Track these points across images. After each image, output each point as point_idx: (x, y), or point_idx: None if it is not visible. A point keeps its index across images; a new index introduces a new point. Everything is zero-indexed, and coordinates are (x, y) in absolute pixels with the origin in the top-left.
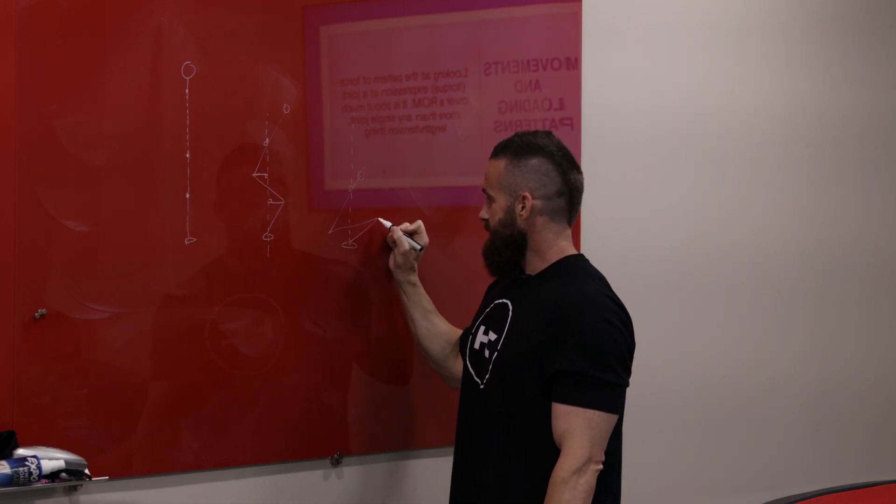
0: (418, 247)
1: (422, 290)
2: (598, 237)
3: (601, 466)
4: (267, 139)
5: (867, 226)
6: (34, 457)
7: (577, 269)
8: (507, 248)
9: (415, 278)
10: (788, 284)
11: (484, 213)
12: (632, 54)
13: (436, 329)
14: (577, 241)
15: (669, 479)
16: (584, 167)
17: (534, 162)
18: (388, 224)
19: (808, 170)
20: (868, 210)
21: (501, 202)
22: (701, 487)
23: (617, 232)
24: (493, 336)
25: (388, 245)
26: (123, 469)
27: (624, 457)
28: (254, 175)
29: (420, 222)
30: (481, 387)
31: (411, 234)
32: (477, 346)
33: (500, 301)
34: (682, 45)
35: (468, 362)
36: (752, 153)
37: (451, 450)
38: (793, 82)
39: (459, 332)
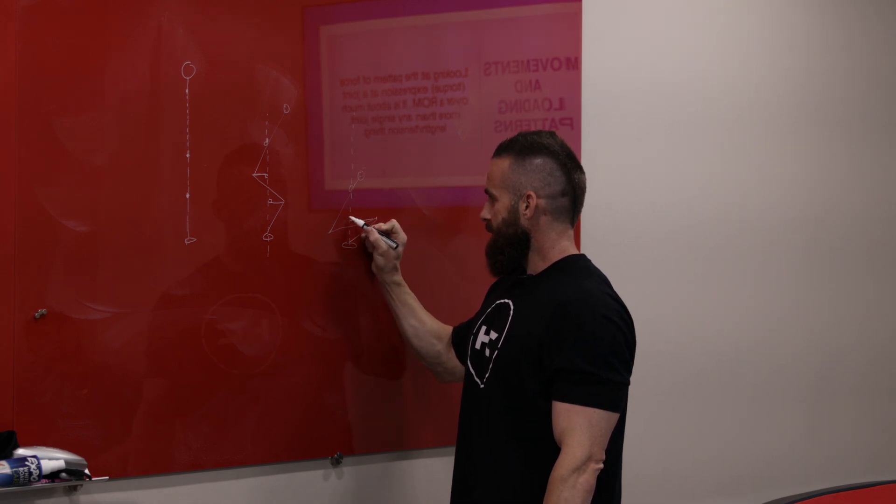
0: (395, 244)
1: (407, 289)
2: (599, 236)
3: (601, 465)
4: (267, 139)
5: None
6: (34, 457)
7: (579, 268)
8: (511, 246)
9: (399, 278)
10: (792, 269)
11: (486, 214)
12: (632, 54)
13: (424, 327)
14: (577, 241)
15: (669, 474)
16: (584, 167)
17: (538, 161)
18: (360, 222)
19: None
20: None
21: (505, 201)
22: (701, 483)
23: (618, 231)
24: (493, 335)
25: (366, 248)
26: (123, 469)
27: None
28: (254, 175)
29: (394, 221)
30: (481, 386)
31: (387, 234)
32: (478, 346)
33: (502, 301)
34: (682, 44)
35: (469, 364)
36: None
37: (451, 449)
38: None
39: (448, 327)
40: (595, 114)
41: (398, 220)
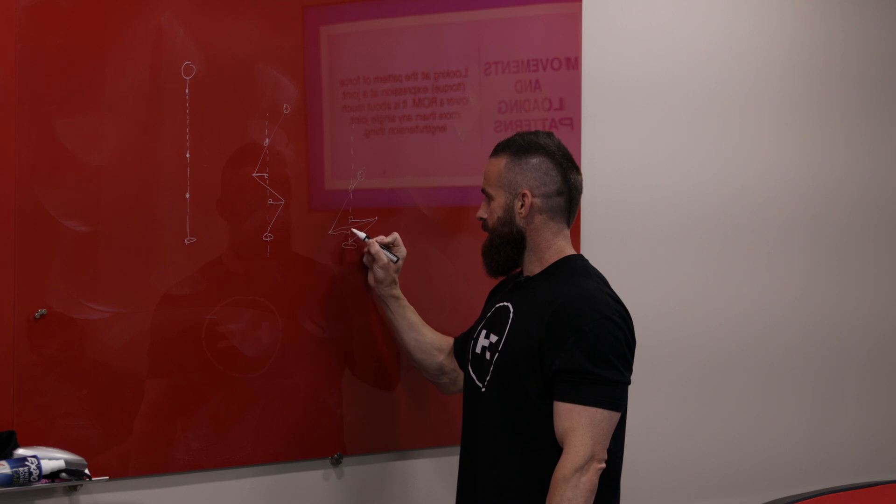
0: (396, 258)
1: (406, 303)
2: (599, 235)
3: (604, 465)
4: (267, 139)
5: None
6: (34, 457)
7: (577, 269)
8: (506, 246)
9: (398, 291)
10: (793, 268)
11: (482, 213)
12: (632, 53)
13: (425, 340)
14: (577, 240)
15: (669, 473)
16: (584, 168)
17: (534, 160)
18: (362, 235)
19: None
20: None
21: (500, 200)
22: (701, 482)
23: (619, 230)
24: (493, 339)
25: (363, 259)
26: (123, 469)
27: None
28: (254, 175)
29: (396, 234)
30: (483, 390)
31: (388, 247)
32: (478, 350)
33: (502, 304)
34: (682, 43)
35: (470, 367)
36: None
37: (451, 449)
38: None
39: (450, 339)
40: (595, 114)
41: (398, 221)
